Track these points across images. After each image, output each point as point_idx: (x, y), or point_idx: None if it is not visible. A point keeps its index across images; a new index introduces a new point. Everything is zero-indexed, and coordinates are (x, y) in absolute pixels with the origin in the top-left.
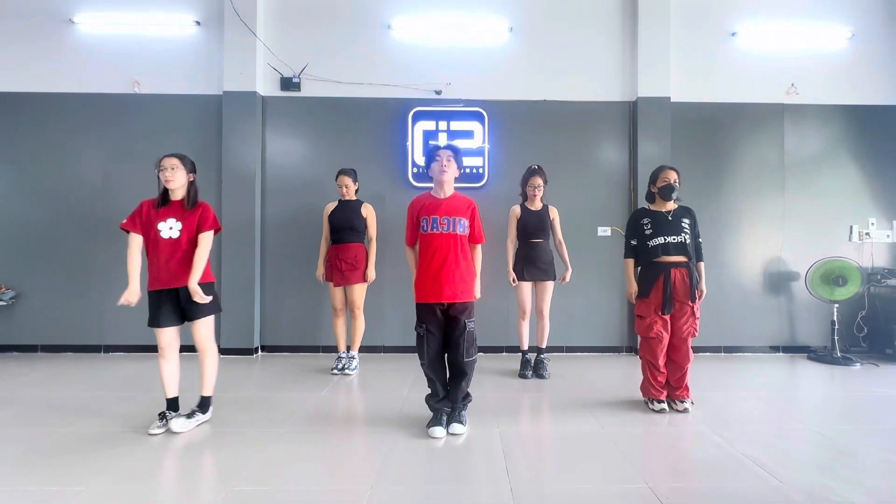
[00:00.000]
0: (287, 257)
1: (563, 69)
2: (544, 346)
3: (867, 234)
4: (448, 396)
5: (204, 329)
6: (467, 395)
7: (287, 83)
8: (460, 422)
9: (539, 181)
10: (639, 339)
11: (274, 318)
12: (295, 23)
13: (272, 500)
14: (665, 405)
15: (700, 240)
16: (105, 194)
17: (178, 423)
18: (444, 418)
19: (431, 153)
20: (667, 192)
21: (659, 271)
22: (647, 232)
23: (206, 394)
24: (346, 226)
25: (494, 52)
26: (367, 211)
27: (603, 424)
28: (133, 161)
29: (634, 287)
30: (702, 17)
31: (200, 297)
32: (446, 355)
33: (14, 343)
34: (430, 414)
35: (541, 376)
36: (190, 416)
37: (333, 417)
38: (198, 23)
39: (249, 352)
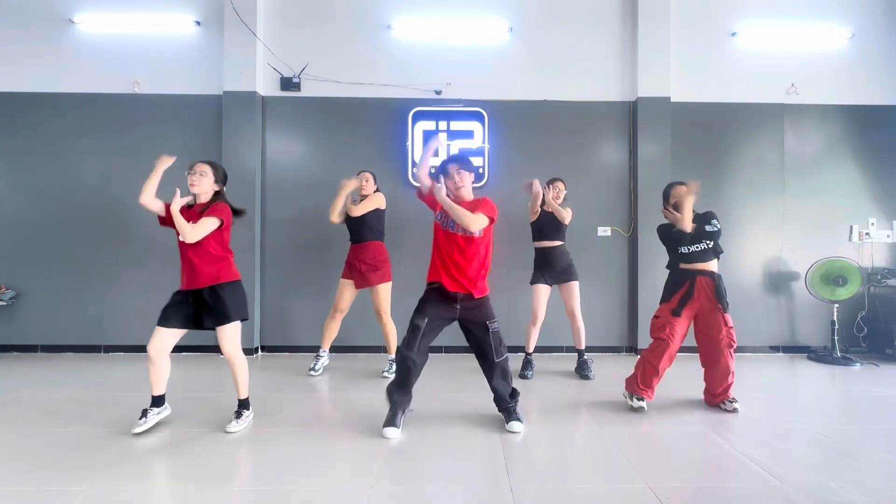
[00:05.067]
0: (287, 257)
1: (563, 69)
2: (583, 346)
3: (867, 234)
4: (495, 399)
5: (230, 337)
6: (514, 392)
7: (287, 83)
8: (519, 420)
9: (560, 185)
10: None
11: (274, 318)
12: (295, 23)
13: (272, 500)
14: (644, 403)
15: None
16: (105, 194)
17: (231, 426)
18: (400, 417)
19: (441, 170)
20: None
21: (685, 278)
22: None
23: (241, 397)
24: (362, 226)
25: (494, 52)
26: (379, 200)
27: (603, 424)
28: (133, 161)
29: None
30: (702, 17)
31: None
32: (480, 362)
33: (14, 343)
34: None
35: (585, 377)
36: (238, 416)
37: (333, 417)
38: (198, 23)
39: (249, 352)
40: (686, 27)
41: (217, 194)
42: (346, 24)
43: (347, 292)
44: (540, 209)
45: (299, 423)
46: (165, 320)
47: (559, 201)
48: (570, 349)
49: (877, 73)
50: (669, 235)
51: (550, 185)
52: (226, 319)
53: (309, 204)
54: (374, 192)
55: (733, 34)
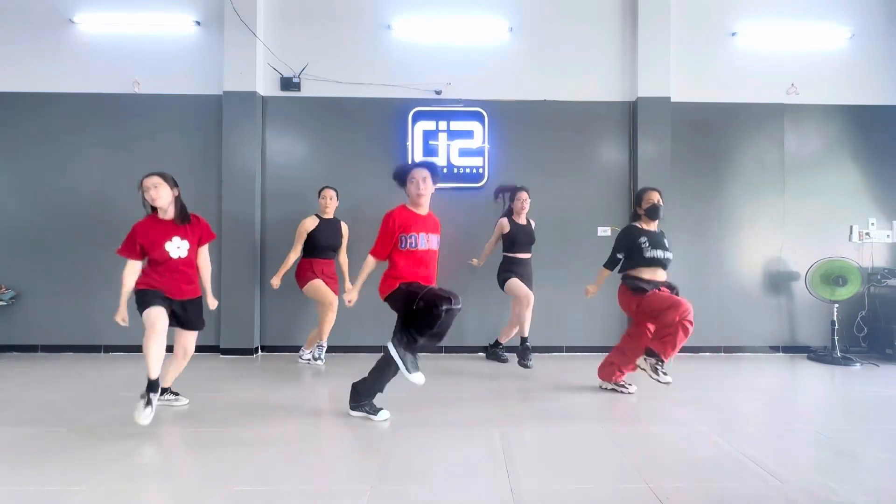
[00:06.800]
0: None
1: (563, 69)
2: (527, 334)
3: (867, 234)
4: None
5: (194, 339)
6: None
7: (287, 83)
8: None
9: (526, 195)
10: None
11: (274, 318)
12: (295, 23)
13: (272, 500)
14: (670, 378)
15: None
16: (105, 194)
17: (143, 414)
18: (418, 362)
19: (405, 172)
20: (653, 213)
21: (648, 290)
22: (645, 246)
23: (164, 384)
24: (328, 245)
25: (494, 52)
26: (345, 229)
27: (603, 424)
28: (133, 161)
29: (594, 289)
30: (702, 16)
31: (213, 302)
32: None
33: (14, 343)
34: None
35: (525, 365)
36: (148, 403)
37: (333, 417)
38: (198, 23)
39: (249, 352)
40: (686, 27)
41: (177, 199)
42: (346, 24)
43: (325, 285)
44: (510, 225)
45: (299, 422)
46: (153, 303)
47: (524, 212)
48: (569, 349)
49: (877, 73)
50: (640, 236)
51: (516, 196)
52: (199, 327)
53: (309, 204)
54: (340, 220)
55: (733, 34)
